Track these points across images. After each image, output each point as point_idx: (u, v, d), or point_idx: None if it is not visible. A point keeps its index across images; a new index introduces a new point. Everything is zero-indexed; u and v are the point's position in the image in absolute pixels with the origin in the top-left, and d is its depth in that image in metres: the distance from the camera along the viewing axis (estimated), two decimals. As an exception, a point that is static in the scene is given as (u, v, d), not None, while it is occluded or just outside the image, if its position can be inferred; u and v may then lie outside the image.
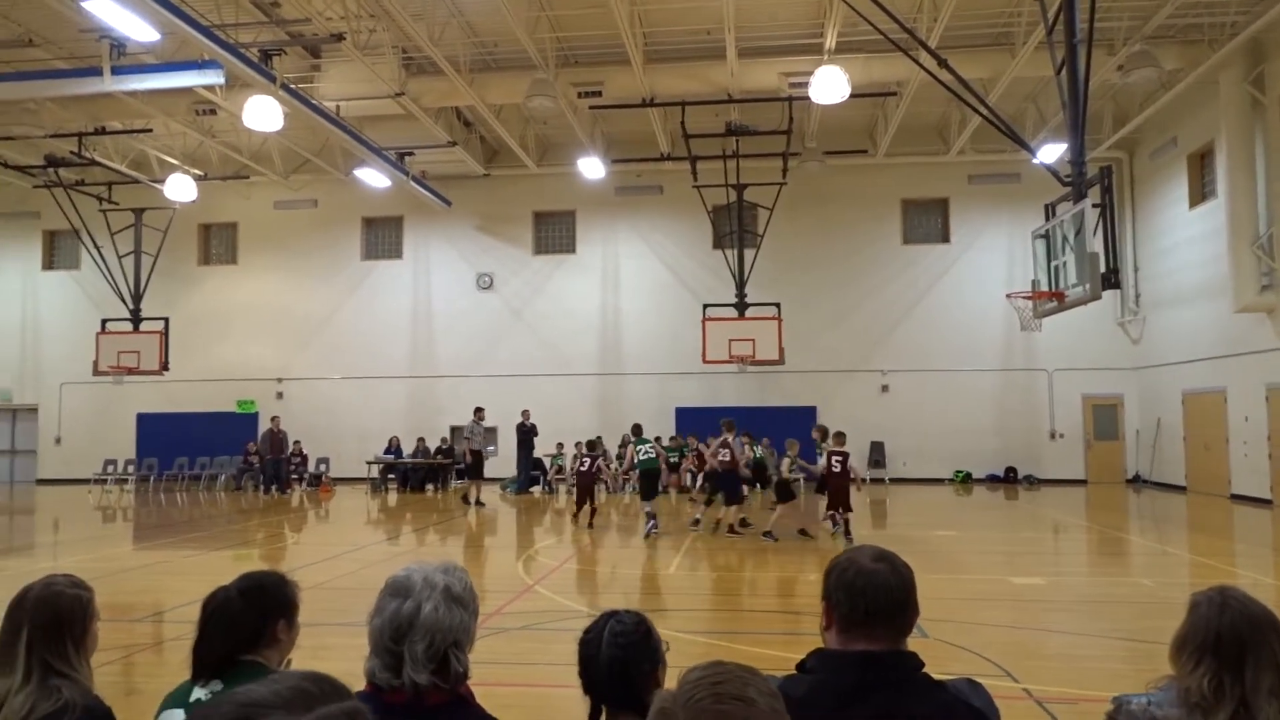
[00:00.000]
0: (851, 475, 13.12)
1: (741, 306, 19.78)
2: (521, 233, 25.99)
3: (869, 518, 15.54)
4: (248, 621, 2.43)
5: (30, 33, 16.73)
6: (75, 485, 24.96)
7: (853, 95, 16.67)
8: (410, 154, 22.42)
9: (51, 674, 2.35)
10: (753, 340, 19.04)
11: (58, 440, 27.10)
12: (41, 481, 26.80)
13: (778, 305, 19.66)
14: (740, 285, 20.05)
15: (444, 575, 2.08)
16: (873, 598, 1.89)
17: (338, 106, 19.31)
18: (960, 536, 14.16)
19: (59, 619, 2.42)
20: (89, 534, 15.91)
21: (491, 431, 23.77)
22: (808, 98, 17.08)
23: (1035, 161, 14.08)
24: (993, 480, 23.94)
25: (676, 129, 20.02)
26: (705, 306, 19.97)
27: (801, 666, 1.92)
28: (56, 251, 27.98)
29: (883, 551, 2.00)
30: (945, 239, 24.97)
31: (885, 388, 24.42)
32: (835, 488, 13.06)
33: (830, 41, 16.97)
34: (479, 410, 20.61)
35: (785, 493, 14.03)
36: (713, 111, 19.71)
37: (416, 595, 2.01)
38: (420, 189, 23.58)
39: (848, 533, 12.93)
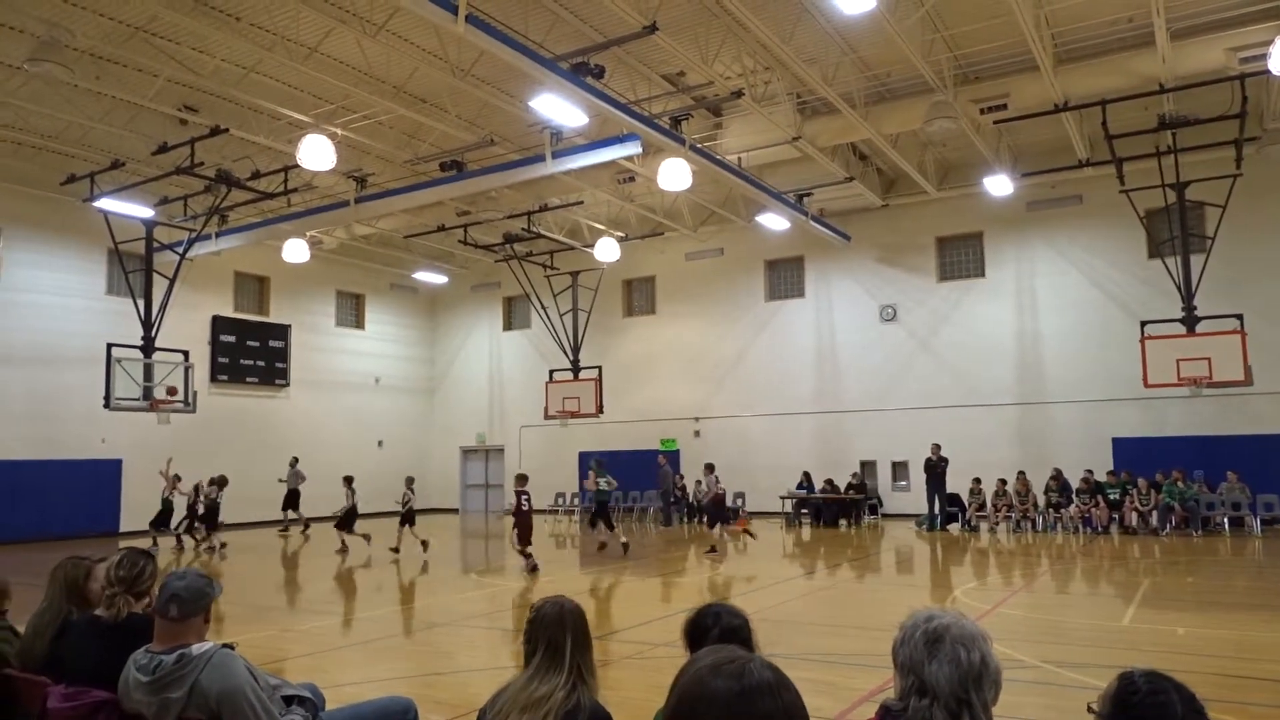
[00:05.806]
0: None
1: (1190, 321, 17.23)
2: (924, 261, 25.21)
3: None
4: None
5: (492, 134, 19.99)
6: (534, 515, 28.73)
7: (1328, 59, 13.89)
8: (808, 194, 22.93)
9: (582, 677, 2.84)
10: (1208, 359, 16.45)
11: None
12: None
13: (1239, 316, 16.82)
14: (1188, 297, 17.47)
15: (971, 622, 2.19)
16: None
17: (739, 158, 20.39)
18: None
19: (583, 630, 2.93)
20: (541, 560, 18.26)
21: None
22: (1266, 71, 14.57)
23: None
24: None
25: (1095, 131, 18.16)
26: (1143, 324, 17.72)
27: None
28: (513, 314, 32.78)
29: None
30: None
31: (1400, 409, 19.67)
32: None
33: (1292, 2, 14.36)
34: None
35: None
36: (1140, 106, 17.56)
37: (979, 645, 2.13)
38: (819, 227, 23.97)
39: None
